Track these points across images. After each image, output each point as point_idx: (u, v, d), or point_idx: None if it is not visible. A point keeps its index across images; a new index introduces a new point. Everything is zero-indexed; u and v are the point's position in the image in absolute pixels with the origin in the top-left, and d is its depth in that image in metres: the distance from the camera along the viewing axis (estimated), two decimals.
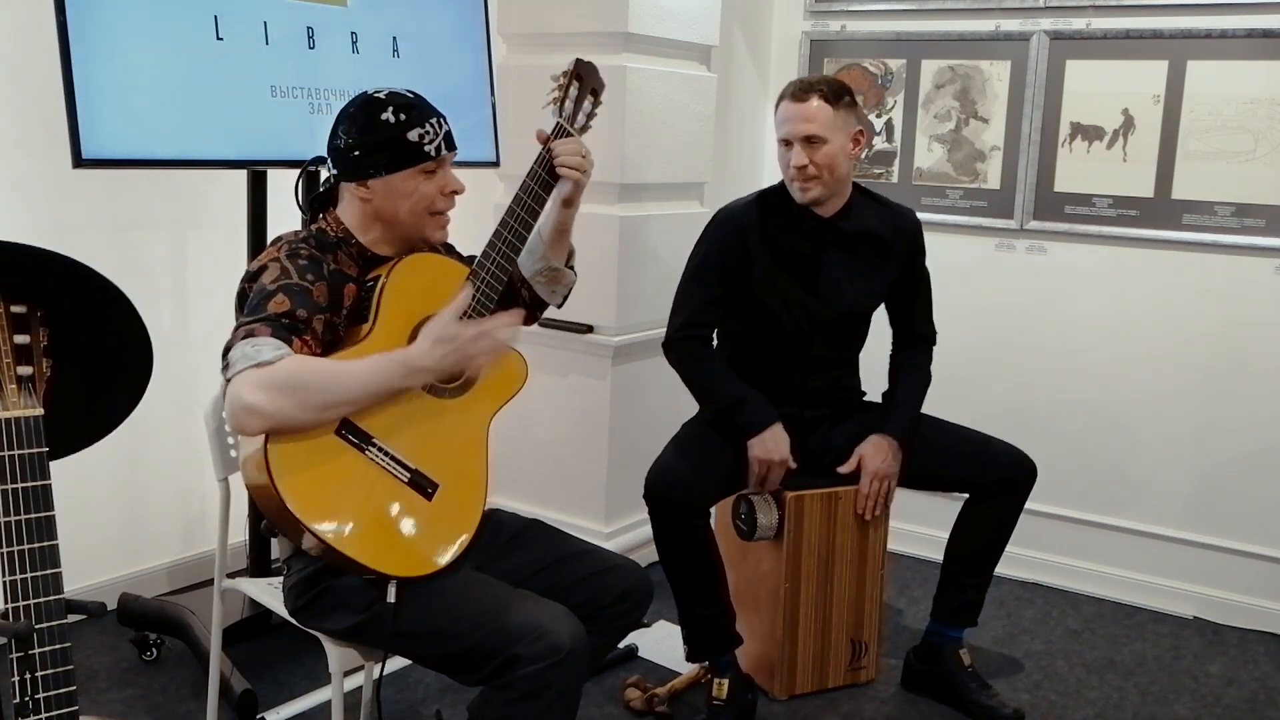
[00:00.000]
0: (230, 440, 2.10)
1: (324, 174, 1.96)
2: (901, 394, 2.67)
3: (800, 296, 2.59)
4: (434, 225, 1.91)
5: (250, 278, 1.81)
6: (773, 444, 2.50)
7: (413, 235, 1.91)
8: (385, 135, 1.83)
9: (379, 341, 1.78)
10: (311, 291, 1.76)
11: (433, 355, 1.74)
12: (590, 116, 2.10)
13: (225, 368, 1.68)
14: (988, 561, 2.68)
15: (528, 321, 2.08)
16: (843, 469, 2.58)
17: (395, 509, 1.76)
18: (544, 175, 1.97)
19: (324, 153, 1.93)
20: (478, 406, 1.90)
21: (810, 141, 2.46)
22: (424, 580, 1.77)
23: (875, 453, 2.58)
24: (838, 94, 2.49)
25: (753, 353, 2.65)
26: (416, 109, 1.86)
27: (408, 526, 1.77)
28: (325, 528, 1.67)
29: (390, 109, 1.84)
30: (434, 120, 1.87)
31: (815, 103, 2.46)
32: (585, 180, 2.02)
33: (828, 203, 2.57)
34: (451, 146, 1.91)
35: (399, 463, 1.77)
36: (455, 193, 1.91)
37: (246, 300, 1.78)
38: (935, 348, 2.77)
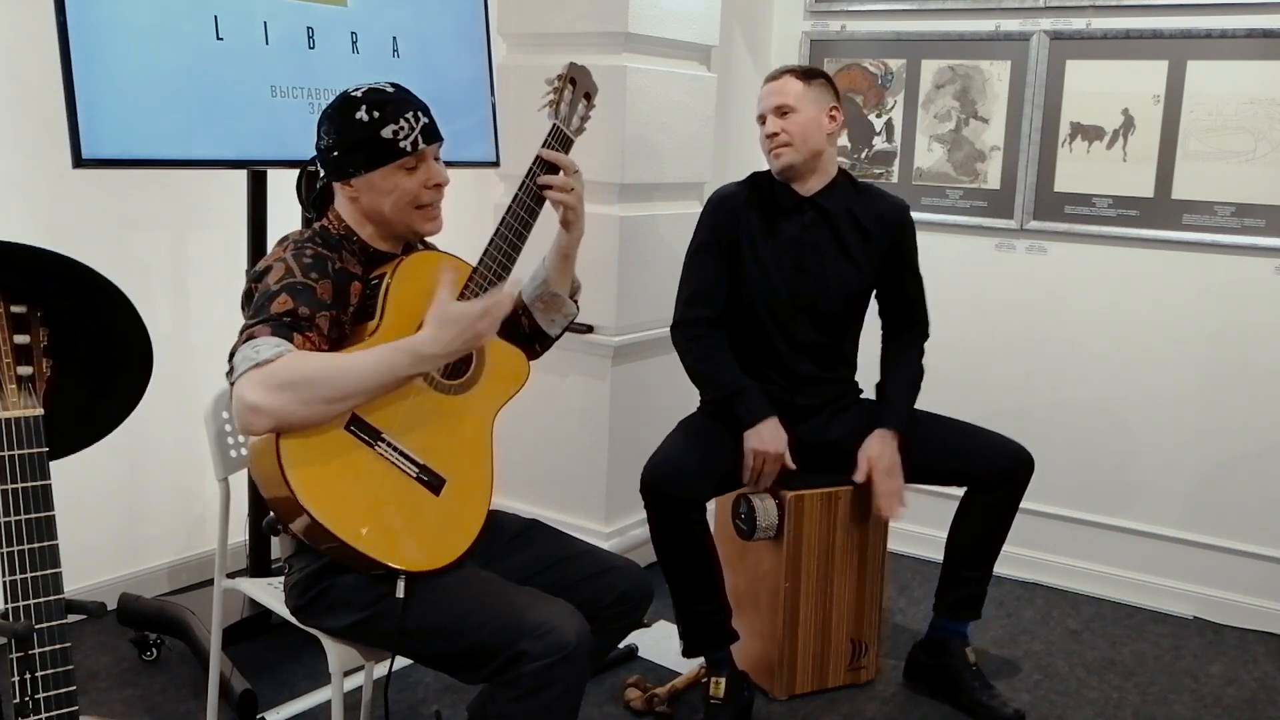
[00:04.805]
0: (231, 441, 2.10)
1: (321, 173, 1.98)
2: (894, 387, 2.66)
3: (786, 275, 2.61)
4: (422, 218, 1.90)
5: (256, 278, 1.81)
6: (769, 436, 2.51)
7: (403, 230, 1.91)
8: (360, 135, 1.83)
9: (387, 337, 1.79)
10: (315, 290, 1.77)
11: (440, 340, 1.72)
12: (584, 120, 2.12)
13: (230, 372, 1.69)
14: (988, 554, 2.68)
15: (530, 356, 2.09)
16: (857, 478, 2.57)
17: (404, 504, 1.77)
18: (533, 187, 1.99)
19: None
20: (481, 403, 1.92)
21: (782, 112, 2.57)
22: (430, 576, 1.78)
23: (881, 449, 2.56)
24: (810, 74, 2.62)
25: (743, 334, 2.66)
26: (391, 105, 1.85)
27: (416, 522, 1.78)
28: (337, 523, 1.68)
29: (364, 107, 1.84)
30: (410, 114, 1.85)
31: (787, 79, 2.60)
32: (574, 202, 2.03)
33: (808, 180, 2.62)
34: (433, 139, 1.88)
35: (407, 458, 1.79)
36: (439, 185, 1.90)
37: (253, 300, 1.79)
38: (933, 351, 2.76)
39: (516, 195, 1.97)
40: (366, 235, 1.91)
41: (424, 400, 1.83)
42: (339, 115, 1.86)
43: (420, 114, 1.87)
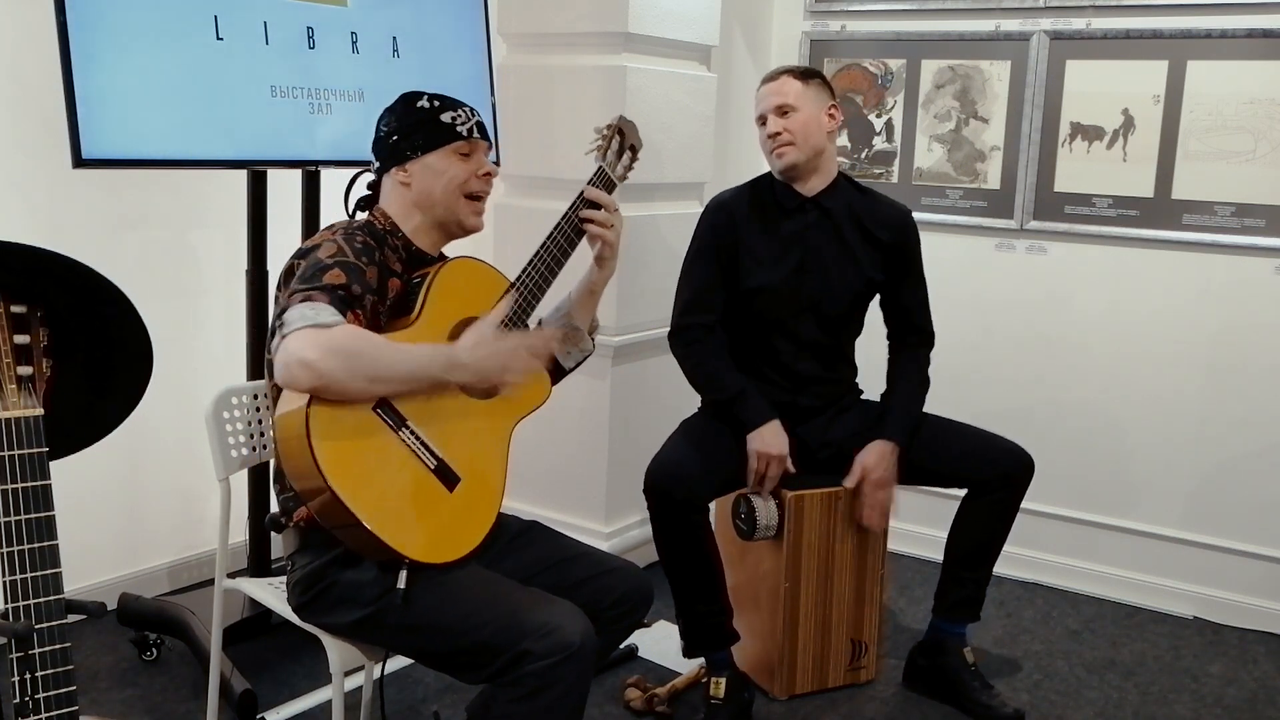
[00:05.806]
0: (231, 440, 2.10)
1: (366, 179, 2.05)
2: (899, 398, 2.66)
3: (788, 276, 2.61)
4: (469, 210, 1.99)
5: (302, 254, 1.86)
6: (771, 438, 2.52)
7: (449, 219, 1.98)
8: (420, 117, 1.95)
9: (422, 332, 1.86)
10: (365, 272, 1.82)
11: (474, 355, 1.82)
12: (627, 169, 2.24)
13: (280, 327, 1.72)
14: (988, 556, 2.68)
15: None
16: (848, 483, 2.58)
17: (419, 494, 1.79)
18: (575, 219, 2.09)
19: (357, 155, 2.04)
20: (502, 412, 1.96)
21: (782, 111, 2.58)
22: (434, 572, 1.79)
23: (878, 461, 2.57)
24: (807, 74, 2.63)
25: (745, 336, 2.66)
26: (450, 99, 2.00)
27: (428, 513, 1.80)
28: (354, 498, 1.69)
29: (425, 97, 1.98)
30: (467, 109, 2.00)
31: (785, 79, 2.61)
32: (613, 238, 2.12)
33: (810, 180, 2.63)
34: (485, 136, 2.00)
35: (428, 449, 1.81)
36: (489, 175, 2.00)
37: (294, 275, 1.82)
38: (933, 350, 2.76)
39: (558, 224, 2.07)
40: (410, 229, 1.97)
41: (450, 398, 1.86)
42: (400, 105, 1.99)
43: (476, 112, 2.01)
